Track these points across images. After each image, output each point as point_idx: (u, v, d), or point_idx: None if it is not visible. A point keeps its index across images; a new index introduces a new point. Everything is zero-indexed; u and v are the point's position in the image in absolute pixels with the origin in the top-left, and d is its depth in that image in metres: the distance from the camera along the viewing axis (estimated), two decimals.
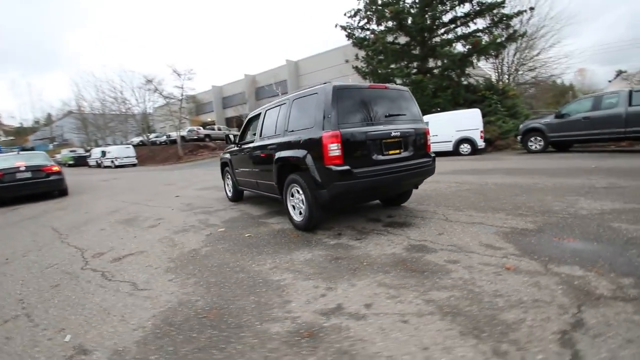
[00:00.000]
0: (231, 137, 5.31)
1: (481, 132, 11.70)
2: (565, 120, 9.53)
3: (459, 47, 15.91)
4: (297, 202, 3.69)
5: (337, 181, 3.14)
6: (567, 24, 33.33)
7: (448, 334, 1.65)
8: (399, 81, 16.39)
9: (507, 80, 21.65)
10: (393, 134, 3.43)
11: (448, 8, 15.56)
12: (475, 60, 15.92)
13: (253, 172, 4.76)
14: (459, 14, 15.72)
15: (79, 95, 38.84)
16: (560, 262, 2.36)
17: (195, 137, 28.53)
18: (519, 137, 10.86)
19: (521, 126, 10.94)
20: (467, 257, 2.59)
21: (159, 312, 2.12)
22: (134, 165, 24.30)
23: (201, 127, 32.66)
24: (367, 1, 16.68)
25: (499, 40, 14.38)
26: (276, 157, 3.88)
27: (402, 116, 3.68)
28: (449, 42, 15.74)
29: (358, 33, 17.97)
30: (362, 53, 17.75)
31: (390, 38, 16.90)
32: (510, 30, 15.06)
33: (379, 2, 16.19)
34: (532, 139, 10.34)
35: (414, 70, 16.76)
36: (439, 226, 3.46)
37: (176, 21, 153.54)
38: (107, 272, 2.95)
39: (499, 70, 22.82)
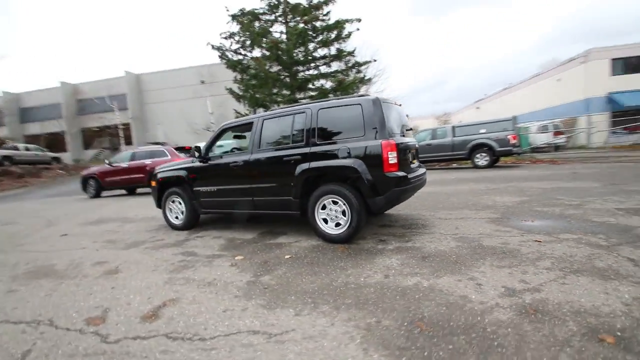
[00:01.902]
0: (199, 149, 4.30)
1: None
2: None
3: (324, 83, 18.39)
4: (333, 214, 3.57)
5: (396, 187, 3.35)
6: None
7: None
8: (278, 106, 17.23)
9: None
10: (415, 144, 3.94)
11: (317, 47, 17.84)
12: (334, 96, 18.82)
13: (242, 190, 4.14)
14: (324, 55, 18.32)
15: None
16: (561, 232, 3.46)
17: None
18: None
19: None
20: (507, 239, 3.34)
21: None
22: None
23: None
24: (241, 26, 16.97)
25: (357, 81, 17.61)
26: (302, 169, 3.63)
27: (410, 130, 4.27)
28: (317, 77, 17.97)
29: (231, 55, 17.85)
30: (224, 74, 17.67)
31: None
32: (361, 75, 18.77)
33: (254, 29, 16.77)
34: None
35: (280, 99, 18.09)
36: (448, 224, 4.15)
37: None
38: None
39: None
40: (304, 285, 2.55)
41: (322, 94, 17.26)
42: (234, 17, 17.26)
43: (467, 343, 1.69)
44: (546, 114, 22.49)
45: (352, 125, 3.53)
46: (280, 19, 18.05)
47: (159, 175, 5.00)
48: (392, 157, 3.32)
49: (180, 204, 4.81)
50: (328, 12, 17.67)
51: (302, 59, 17.25)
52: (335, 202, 3.56)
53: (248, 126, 4.33)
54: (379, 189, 3.35)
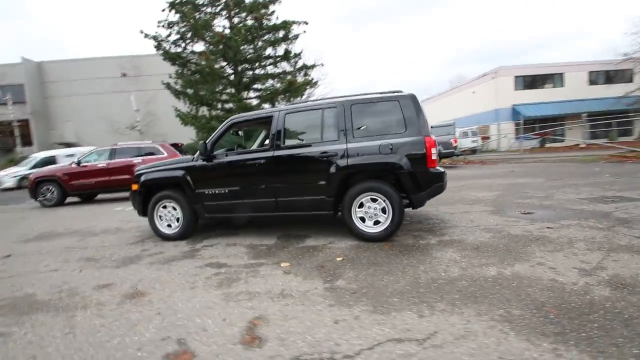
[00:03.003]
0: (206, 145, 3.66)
1: None
2: None
3: (273, 83, 17.96)
4: (372, 212, 3.48)
5: (438, 182, 3.42)
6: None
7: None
8: (227, 105, 16.29)
9: None
10: None
11: (265, 46, 17.30)
12: (283, 97, 18.55)
13: (262, 190, 3.75)
14: (272, 55, 17.88)
15: None
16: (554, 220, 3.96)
17: None
18: None
19: None
20: (526, 228, 3.69)
21: None
22: None
23: None
24: (181, 16, 15.56)
25: (306, 83, 17.61)
26: (339, 166, 3.46)
27: None
28: (265, 77, 17.46)
29: (169, 47, 16.22)
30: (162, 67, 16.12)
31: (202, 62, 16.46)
32: (310, 78, 18.86)
33: (196, 21, 15.51)
34: None
35: (225, 97, 17.14)
36: (460, 218, 4.40)
37: None
38: None
39: None
40: (391, 286, 2.40)
41: (272, 94, 16.84)
42: (172, 5, 15.73)
43: (604, 319, 1.79)
44: (464, 122, 25.74)
45: (390, 121, 3.49)
46: (222, 12, 17.09)
47: (145, 178, 4.21)
48: (434, 153, 3.38)
49: (174, 209, 4.14)
50: (273, 12, 17.32)
51: (250, 56, 16.58)
52: (374, 200, 3.47)
53: (265, 121, 3.96)
54: (421, 185, 3.37)
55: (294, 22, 16.88)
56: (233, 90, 16.86)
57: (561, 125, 20.82)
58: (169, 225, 4.20)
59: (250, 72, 17.88)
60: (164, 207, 4.17)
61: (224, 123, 4.07)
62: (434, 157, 3.37)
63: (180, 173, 4.05)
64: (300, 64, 18.33)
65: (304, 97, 20.59)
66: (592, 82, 24.99)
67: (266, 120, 3.96)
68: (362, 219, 3.53)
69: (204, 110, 17.57)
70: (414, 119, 3.41)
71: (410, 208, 3.58)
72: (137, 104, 25.32)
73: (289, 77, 17.85)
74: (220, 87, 17.34)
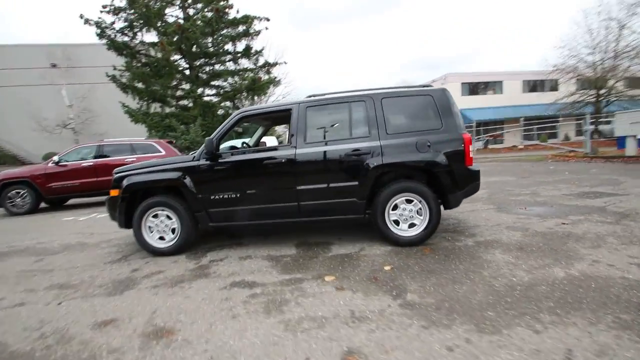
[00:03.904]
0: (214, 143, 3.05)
1: None
2: None
3: (237, 80, 16.97)
4: (407, 214, 3.23)
5: (475, 181, 3.28)
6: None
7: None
8: (183, 102, 14.98)
9: None
10: None
11: (225, 40, 16.26)
12: (247, 96, 17.65)
13: (282, 194, 3.29)
14: (232, 50, 16.87)
15: None
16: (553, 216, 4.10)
17: None
18: None
19: None
20: (545, 224, 3.75)
21: None
22: None
23: None
24: (130, 2, 13.94)
25: (270, 81, 16.95)
26: (373, 164, 3.15)
27: None
28: (227, 74, 16.42)
29: (115, 35, 14.45)
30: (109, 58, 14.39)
31: (157, 53, 14.98)
32: (273, 75, 18.20)
33: (149, 8, 14.01)
34: None
35: (180, 93, 15.85)
36: (474, 216, 4.36)
37: None
38: None
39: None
40: (472, 297, 2.16)
41: (235, 92, 15.92)
42: None
43: None
44: None
45: (425, 116, 3.27)
46: (176, 1, 15.71)
47: (129, 181, 3.46)
48: (472, 151, 3.24)
49: (169, 218, 3.46)
50: (232, 5, 16.38)
51: (209, 50, 15.47)
52: (409, 201, 3.22)
53: (280, 115, 3.50)
54: (459, 184, 3.21)
55: (255, 18, 16.15)
56: (189, 86, 15.57)
57: (501, 129, 22.91)
58: (162, 238, 3.50)
59: (208, 68, 16.74)
60: (155, 216, 3.47)
61: (231, 117, 3.51)
62: (471, 154, 3.22)
63: (176, 175, 3.40)
64: (262, 61, 17.64)
65: (267, 95, 19.94)
66: (527, 89, 28.00)
67: (282, 115, 3.51)
68: (396, 222, 3.26)
69: (156, 107, 16.02)
70: (451, 114, 3.24)
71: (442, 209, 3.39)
72: (70, 98, 22.29)
73: (250, 74, 17.08)
74: (175, 82, 15.98)
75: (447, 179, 3.16)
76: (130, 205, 3.50)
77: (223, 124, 3.47)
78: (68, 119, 22.63)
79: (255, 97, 18.69)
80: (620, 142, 11.87)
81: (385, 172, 3.21)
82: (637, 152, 10.21)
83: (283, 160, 3.26)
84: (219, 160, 3.38)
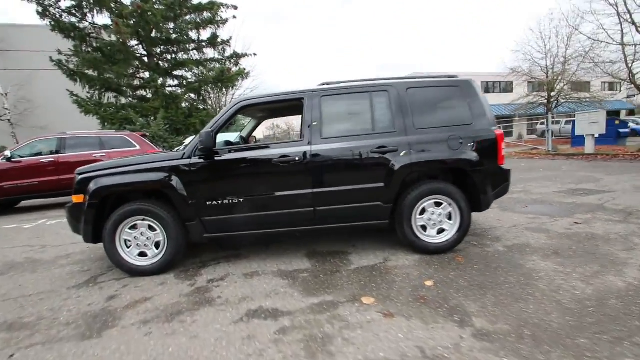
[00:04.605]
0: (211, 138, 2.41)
1: None
2: None
3: (203, 71, 15.76)
4: (436, 219, 2.89)
5: (506, 181, 3.03)
6: None
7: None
8: (142, 92, 13.60)
9: None
10: None
11: (188, 27, 14.99)
12: (214, 88, 16.50)
13: (295, 198, 2.79)
14: (196, 39, 15.63)
15: None
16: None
17: None
18: None
19: None
20: (561, 224, 3.63)
21: None
22: None
23: None
24: None
25: (240, 73, 15.96)
26: (402, 163, 2.76)
27: None
28: (192, 64, 15.19)
29: (60, 15, 12.70)
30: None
31: (111, 36, 13.42)
32: (242, 67, 17.20)
33: None
34: None
35: (138, 83, 14.44)
36: (484, 217, 4.16)
37: None
38: None
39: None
40: (549, 319, 1.84)
41: (201, 83, 14.78)
42: None
43: None
44: None
45: (453, 109, 2.94)
46: None
47: (98, 184, 2.74)
48: (503, 148, 2.97)
49: (151, 229, 2.81)
50: None
51: (171, 37, 14.17)
52: (438, 204, 2.89)
53: (288, 104, 2.98)
54: (492, 185, 2.93)
55: (222, 5, 15.10)
56: (149, 75, 14.16)
57: None
58: (143, 254, 2.84)
59: (170, 56, 15.37)
60: (134, 227, 2.80)
61: (229, 106, 2.91)
62: (503, 152, 2.96)
63: (161, 176, 2.75)
64: (229, 52, 16.59)
65: (235, 88, 18.88)
66: (486, 90, 29.51)
67: (291, 105, 2.99)
68: (423, 228, 2.91)
69: (110, 97, 14.41)
70: (481, 108, 2.94)
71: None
72: (4, 86, 19.46)
73: (216, 65, 15.99)
74: (132, 71, 14.47)
75: (480, 179, 2.86)
76: (99, 214, 2.79)
77: (220, 115, 2.87)
78: (2, 109, 19.76)
79: (224, 90, 17.65)
80: (577, 140, 12.75)
81: (416, 172, 2.84)
82: (595, 150, 10.97)
83: (297, 159, 2.75)
84: (216, 159, 2.78)
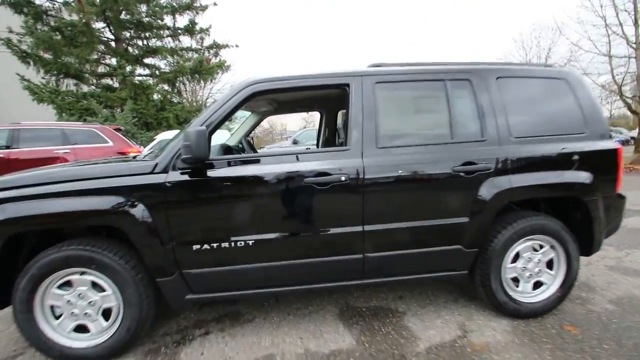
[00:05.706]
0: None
1: None
2: None
3: (178, 60, 14.23)
4: (532, 269, 2.00)
5: (621, 212, 2.18)
6: None
7: None
8: (107, 80, 11.98)
9: None
10: None
11: (163, 11, 13.42)
12: (190, 79, 14.99)
13: (334, 239, 1.79)
14: (174, 26, 14.08)
15: None
16: None
17: None
18: None
19: None
20: None
21: None
22: None
23: None
24: None
25: (221, 65, 14.57)
26: (497, 189, 1.83)
27: None
28: (166, 51, 13.64)
29: None
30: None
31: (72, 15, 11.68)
32: (222, 58, 15.77)
33: None
34: None
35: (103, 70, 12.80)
36: None
37: None
38: None
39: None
40: None
41: (177, 74, 13.29)
42: None
43: None
44: None
45: (560, 111, 2.06)
46: None
47: (6, 212, 1.60)
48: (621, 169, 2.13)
49: (96, 288, 1.69)
50: None
51: (145, 20, 12.63)
52: (535, 249, 2.00)
53: (325, 93, 1.96)
54: (608, 217, 2.08)
55: None
56: (116, 62, 12.49)
57: None
58: (81, 329, 1.72)
59: (142, 42, 13.71)
60: (66, 284, 1.68)
61: (233, 89, 1.82)
62: (621, 174, 2.11)
63: (115, 202, 1.64)
64: (209, 41, 15.15)
65: (214, 82, 17.47)
66: None
67: (325, 93, 1.97)
68: (515, 280, 2.01)
69: (69, 85, 12.61)
70: (596, 111, 2.08)
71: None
72: None
73: (194, 54, 14.55)
74: (96, 56, 12.76)
75: (597, 211, 1.99)
76: (8, 259, 1.65)
77: (219, 103, 1.80)
78: None
79: (202, 82, 16.20)
80: None
81: (514, 201, 1.93)
82: None
83: (342, 179, 1.74)
84: (210, 175, 1.71)
